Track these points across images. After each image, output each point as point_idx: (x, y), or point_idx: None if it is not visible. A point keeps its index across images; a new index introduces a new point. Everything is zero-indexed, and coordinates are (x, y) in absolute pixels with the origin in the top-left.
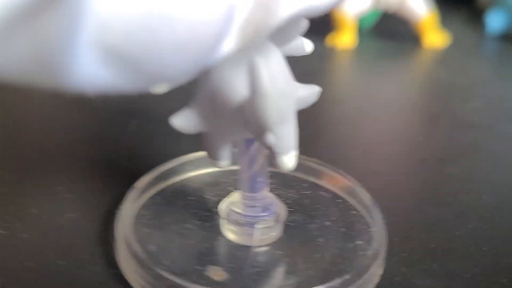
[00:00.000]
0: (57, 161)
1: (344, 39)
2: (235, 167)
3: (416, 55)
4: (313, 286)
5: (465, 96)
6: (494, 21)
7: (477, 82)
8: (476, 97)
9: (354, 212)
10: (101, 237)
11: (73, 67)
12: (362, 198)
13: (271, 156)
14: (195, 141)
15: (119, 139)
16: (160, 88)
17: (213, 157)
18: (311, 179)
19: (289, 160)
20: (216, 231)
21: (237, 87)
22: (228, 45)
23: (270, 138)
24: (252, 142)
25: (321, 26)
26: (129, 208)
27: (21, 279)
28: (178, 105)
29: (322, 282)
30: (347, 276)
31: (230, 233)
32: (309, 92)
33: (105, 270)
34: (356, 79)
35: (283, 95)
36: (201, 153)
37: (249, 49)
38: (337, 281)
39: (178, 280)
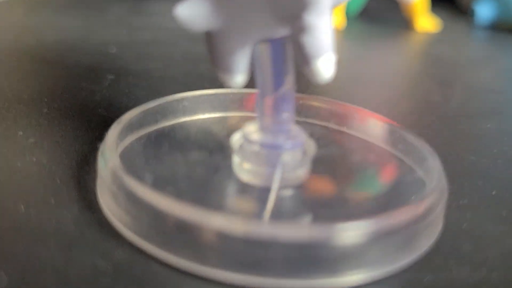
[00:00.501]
0: (18, 110)
1: (333, 20)
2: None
3: (408, 37)
4: (367, 220)
5: (472, 68)
6: (483, 11)
7: (478, 59)
8: (483, 69)
9: (400, 146)
10: (73, 180)
11: None
12: (405, 135)
13: (304, 61)
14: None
15: (93, 91)
16: None
17: (225, 69)
18: (336, 120)
19: (325, 65)
20: (228, 165)
21: None
22: None
23: (306, 21)
24: (280, 63)
25: None
26: (115, 140)
27: None
28: (157, 64)
29: (378, 216)
30: (411, 211)
31: (245, 173)
32: None
33: (80, 216)
34: (351, 55)
35: None
36: (199, 92)
37: None
38: (398, 217)
39: (187, 214)
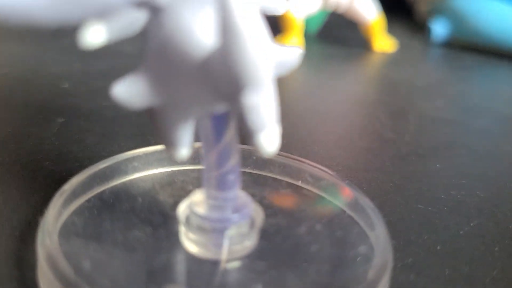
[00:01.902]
0: None
1: (292, 40)
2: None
3: (366, 58)
4: None
5: (426, 95)
6: (438, 29)
7: (433, 83)
8: (437, 96)
9: (347, 212)
10: (16, 256)
11: None
12: (354, 197)
13: (248, 135)
14: (135, 140)
15: (42, 138)
16: (94, 35)
17: (169, 143)
18: (287, 178)
19: (267, 139)
20: (173, 241)
21: (199, 33)
22: None
23: (245, 101)
24: (221, 128)
25: (268, 28)
26: (55, 215)
27: None
28: (110, 101)
29: None
30: None
31: (192, 244)
32: (290, 54)
33: None
34: (308, 80)
35: (260, 45)
36: (149, 148)
37: None
38: None
39: None
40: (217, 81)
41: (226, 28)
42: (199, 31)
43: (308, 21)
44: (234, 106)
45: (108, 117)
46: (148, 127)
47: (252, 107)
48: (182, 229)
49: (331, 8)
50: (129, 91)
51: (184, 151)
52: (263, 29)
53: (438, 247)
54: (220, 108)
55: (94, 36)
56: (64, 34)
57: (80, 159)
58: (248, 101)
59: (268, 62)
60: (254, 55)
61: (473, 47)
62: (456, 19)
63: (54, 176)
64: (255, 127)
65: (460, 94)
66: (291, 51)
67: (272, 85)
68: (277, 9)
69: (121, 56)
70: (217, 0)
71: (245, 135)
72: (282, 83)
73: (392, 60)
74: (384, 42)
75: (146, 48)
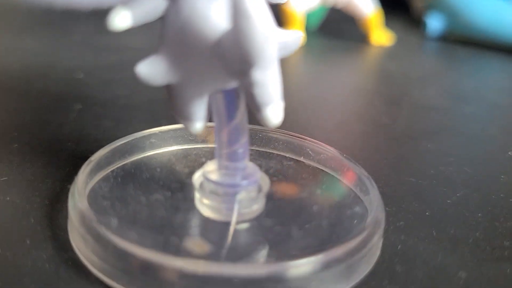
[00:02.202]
0: None
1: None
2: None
3: (364, 51)
4: (314, 255)
5: (419, 85)
6: (433, 23)
7: (427, 74)
8: (429, 85)
9: (345, 181)
10: (47, 220)
11: None
12: (349, 167)
13: (255, 109)
14: (148, 124)
15: (62, 123)
16: (121, 20)
17: (185, 117)
18: (290, 154)
19: (273, 112)
20: (189, 205)
21: (213, 17)
22: None
23: (255, 77)
24: (233, 106)
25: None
26: (84, 181)
27: None
28: (123, 90)
29: (323, 251)
30: (350, 245)
31: (205, 208)
32: (292, 37)
33: (55, 255)
34: (310, 72)
35: (267, 27)
36: (165, 127)
37: None
38: (340, 251)
39: (150, 255)
40: (229, 60)
41: (237, 12)
42: (213, 15)
43: (309, 17)
44: (243, 82)
45: (122, 104)
46: (159, 113)
47: (260, 83)
48: (197, 195)
49: (330, 4)
50: (150, 70)
51: (198, 124)
52: (269, 15)
53: (427, 213)
54: (231, 84)
55: (121, 20)
56: (75, 31)
57: (99, 140)
58: (256, 78)
59: (273, 43)
60: (262, 36)
61: (467, 41)
62: (451, 14)
63: (76, 155)
64: (263, 101)
65: (451, 83)
66: (293, 34)
67: (277, 64)
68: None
69: (129, 50)
70: None
71: (253, 109)
72: (286, 74)
73: (389, 53)
74: (381, 36)
75: (165, 32)
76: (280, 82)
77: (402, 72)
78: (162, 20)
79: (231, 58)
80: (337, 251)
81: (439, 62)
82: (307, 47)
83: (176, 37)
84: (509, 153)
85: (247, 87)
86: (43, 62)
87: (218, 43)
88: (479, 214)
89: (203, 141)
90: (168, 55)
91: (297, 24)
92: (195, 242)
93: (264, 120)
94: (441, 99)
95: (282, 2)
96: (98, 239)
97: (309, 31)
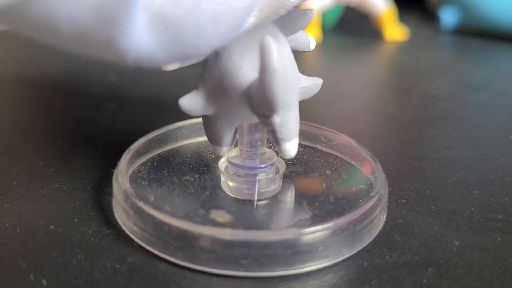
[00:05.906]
0: (36, 142)
1: (309, 34)
2: None
3: (378, 47)
4: (321, 224)
5: (430, 76)
6: (447, 17)
7: (438, 66)
8: (440, 76)
9: (353, 163)
10: (92, 202)
11: (127, 28)
12: (359, 152)
13: (275, 142)
14: (177, 118)
15: (97, 121)
16: (175, 65)
17: (215, 143)
18: (306, 142)
19: (291, 147)
20: (216, 184)
21: (246, 69)
22: (251, 19)
23: (276, 120)
24: (256, 129)
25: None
26: (126, 165)
27: (8, 244)
28: (152, 89)
29: (329, 221)
30: (354, 215)
31: (230, 189)
32: (313, 83)
33: (98, 231)
34: (326, 69)
35: (290, 77)
36: (194, 120)
37: (261, 30)
38: (344, 220)
39: (183, 224)
40: (255, 104)
41: (262, 65)
42: (245, 66)
43: (324, 16)
44: (266, 122)
45: (152, 103)
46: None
47: (280, 124)
48: (222, 178)
49: (344, 2)
50: (191, 103)
51: (225, 149)
52: (293, 64)
53: (427, 191)
54: (255, 120)
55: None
56: None
57: (133, 134)
58: (277, 120)
59: (295, 90)
60: (282, 90)
61: (481, 33)
62: (465, 7)
63: (113, 148)
64: (282, 138)
65: (461, 74)
66: (314, 81)
67: (297, 107)
68: (309, 47)
69: None
70: (259, 43)
71: (273, 141)
72: (304, 71)
73: (403, 48)
74: (395, 32)
75: (206, 74)
76: (298, 121)
77: (415, 65)
78: (204, 63)
79: (257, 103)
80: (342, 221)
81: (451, 55)
82: (323, 45)
83: (214, 80)
84: (511, 137)
85: (269, 126)
86: (77, 67)
87: (247, 90)
88: (476, 192)
89: None
90: (206, 93)
91: (312, 23)
92: (218, 214)
93: (282, 152)
94: (450, 88)
95: (309, 50)
96: (139, 212)
97: (325, 30)
